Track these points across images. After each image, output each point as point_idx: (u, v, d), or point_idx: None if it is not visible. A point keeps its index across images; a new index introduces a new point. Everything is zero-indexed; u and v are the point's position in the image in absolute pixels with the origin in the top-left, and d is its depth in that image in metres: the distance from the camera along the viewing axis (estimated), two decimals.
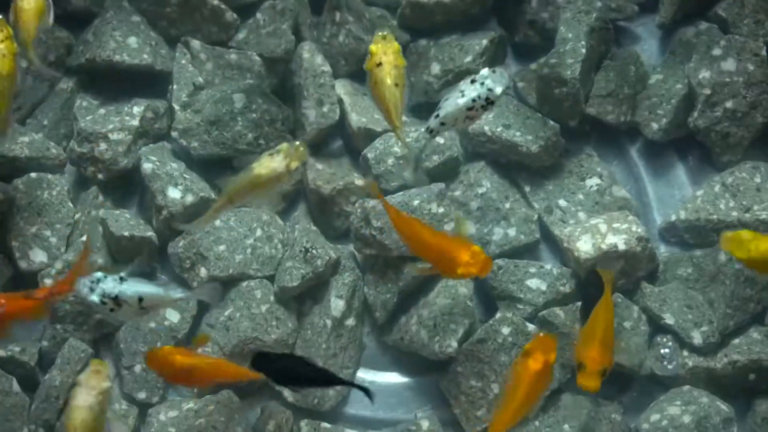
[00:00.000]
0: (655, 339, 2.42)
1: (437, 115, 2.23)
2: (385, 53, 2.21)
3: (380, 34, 2.24)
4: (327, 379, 2.18)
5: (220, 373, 2.19)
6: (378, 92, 2.21)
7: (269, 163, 2.15)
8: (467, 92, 2.21)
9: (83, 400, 2.12)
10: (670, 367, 2.40)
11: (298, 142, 2.17)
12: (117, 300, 2.13)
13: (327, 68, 2.54)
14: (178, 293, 2.17)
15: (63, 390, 2.35)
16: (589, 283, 2.41)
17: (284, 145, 2.17)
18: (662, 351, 2.41)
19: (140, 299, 2.13)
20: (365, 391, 2.13)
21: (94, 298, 2.13)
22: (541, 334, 2.21)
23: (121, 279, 2.14)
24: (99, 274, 2.15)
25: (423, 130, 2.26)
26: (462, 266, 2.12)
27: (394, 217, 2.24)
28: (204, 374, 2.16)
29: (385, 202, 2.27)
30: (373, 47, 2.22)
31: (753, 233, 2.12)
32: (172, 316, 2.43)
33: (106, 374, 2.15)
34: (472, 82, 2.21)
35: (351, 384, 2.27)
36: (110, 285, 2.13)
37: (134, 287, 2.13)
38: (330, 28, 2.61)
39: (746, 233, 2.12)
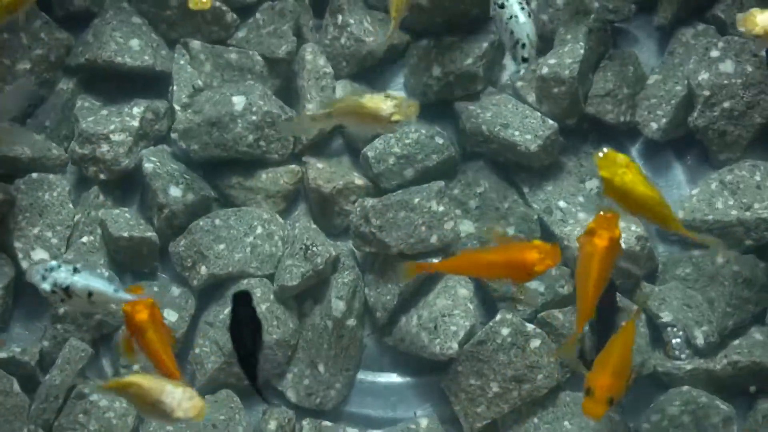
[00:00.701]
0: (666, 331, 2.41)
1: (524, 44, 2.22)
2: None
3: None
4: (248, 373, 2.15)
5: (155, 358, 2.09)
6: None
7: (379, 102, 2.13)
8: (517, 7, 2.22)
9: None
10: (683, 356, 2.40)
11: (413, 101, 2.16)
12: (68, 291, 2.09)
13: (329, 70, 2.55)
14: (125, 296, 2.10)
15: (63, 390, 2.36)
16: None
17: (401, 96, 2.16)
18: (674, 341, 2.41)
19: (89, 294, 2.09)
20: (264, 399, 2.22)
21: (45, 286, 2.10)
22: (602, 213, 2.12)
23: (75, 270, 2.11)
24: (53, 263, 2.12)
25: (520, 64, 2.24)
26: (536, 265, 2.08)
27: (447, 266, 2.24)
28: (148, 345, 2.08)
29: (435, 265, 2.27)
30: None
31: (629, 161, 2.08)
32: (171, 316, 2.43)
33: None
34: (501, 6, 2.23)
35: (255, 388, 2.19)
36: (63, 275, 2.10)
37: (86, 280, 2.09)
38: (332, 31, 2.61)
39: (623, 158, 2.08)
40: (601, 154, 2.06)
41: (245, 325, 2.14)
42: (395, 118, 2.13)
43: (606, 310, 2.34)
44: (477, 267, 2.18)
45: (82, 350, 2.38)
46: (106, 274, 2.40)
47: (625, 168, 2.05)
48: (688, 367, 2.38)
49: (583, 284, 2.03)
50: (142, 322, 2.05)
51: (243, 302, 2.16)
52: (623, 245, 2.35)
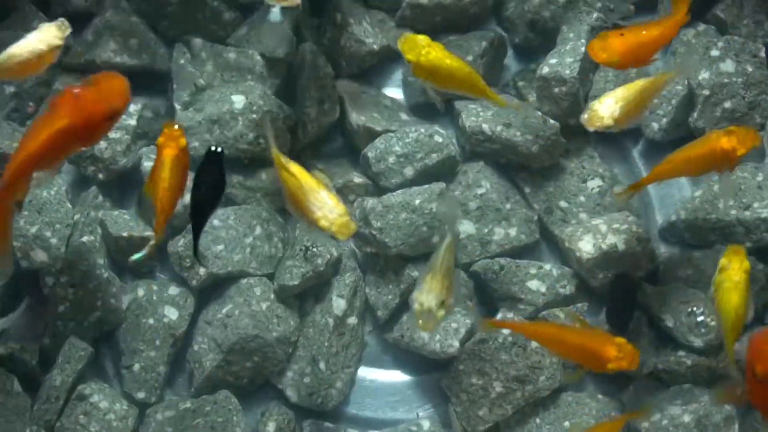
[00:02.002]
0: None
1: None
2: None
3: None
4: (195, 226, 2.15)
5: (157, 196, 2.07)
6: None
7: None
8: None
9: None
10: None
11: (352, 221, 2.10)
12: None
13: (329, 70, 2.55)
14: None
15: (63, 390, 2.35)
16: (615, 287, 2.42)
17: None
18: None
19: None
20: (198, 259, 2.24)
21: None
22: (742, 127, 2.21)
23: None
24: None
25: None
26: (612, 361, 2.11)
27: (524, 329, 2.25)
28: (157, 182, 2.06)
29: (503, 322, 2.29)
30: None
31: (429, 40, 2.15)
32: (171, 313, 2.43)
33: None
34: None
35: (194, 243, 2.19)
36: None
37: None
38: (331, 30, 2.61)
39: (423, 38, 2.13)
40: (402, 39, 2.14)
41: (208, 180, 2.12)
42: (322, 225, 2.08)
43: (623, 305, 2.37)
44: (554, 342, 2.20)
45: (82, 349, 2.38)
46: None
47: (427, 47, 2.15)
48: (689, 362, 2.38)
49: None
50: (167, 157, 2.05)
51: (212, 160, 2.13)
52: (624, 246, 2.38)
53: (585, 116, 2.18)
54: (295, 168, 2.10)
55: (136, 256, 2.18)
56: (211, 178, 2.12)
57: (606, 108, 2.17)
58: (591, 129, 2.17)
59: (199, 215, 2.14)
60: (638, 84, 2.21)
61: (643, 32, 2.18)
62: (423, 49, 2.15)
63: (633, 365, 2.12)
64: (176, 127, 2.07)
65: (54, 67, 2.59)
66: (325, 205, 2.05)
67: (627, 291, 2.37)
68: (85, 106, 1.97)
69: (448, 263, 2.11)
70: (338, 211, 2.05)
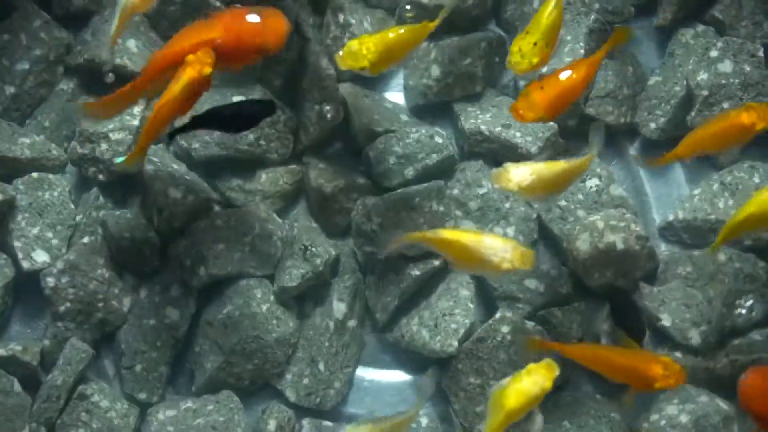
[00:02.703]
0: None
1: None
2: None
3: None
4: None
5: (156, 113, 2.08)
6: None
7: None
8: None
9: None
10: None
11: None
12: None
13: (331, 71, 2.55)
14: None
15: (64, 390, 2.36)
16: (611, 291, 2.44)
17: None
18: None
19: None
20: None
21: None
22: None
23: None
24: None
25: None
26: (659, 380, 2.13)
27: (571, 351, 2.24)
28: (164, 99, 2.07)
29: (558, 345, 2.27)
30: None
31: (359, 40, 2.14)
32: (172, 314, 2.43)
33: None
34: None
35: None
36: None
37: None
38: (334, 30, 2.61)
39: (353, 43, 2.14)
40: (340, 56, 2.15)
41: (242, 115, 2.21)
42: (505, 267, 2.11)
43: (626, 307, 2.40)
44: (601, 364, 2.21)
45: (83, 351, 2.38)
46: None
47: (361, 44, 2.14)
48: (686, 362, 2.39)
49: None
50: (186, 76, 2.05)
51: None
52: (622, 244, 2.38)
53: (495, 172, 2.14)
54: (446, 233, 2.14)
55: (119, 160, 2.17)
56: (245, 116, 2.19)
57: (518, 174, 2.12)
58: (496, 185, 2.13)
59: (209, 117, 2.18)
60: (560, 165, 2.16)
61: (562, 78, 2.15)
62: (361, 48, 2.14)
63: (677, 383, 2.14)
64: (210, 53, 2.07)
65: (54, 67, 2.61)
66: (496, 248, 2.09)
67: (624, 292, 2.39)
68: (241, 33, 1.99)
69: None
70: (510, 246, 2.09)
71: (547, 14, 2.16)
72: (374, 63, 2.16)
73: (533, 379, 2.05)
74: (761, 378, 1.94)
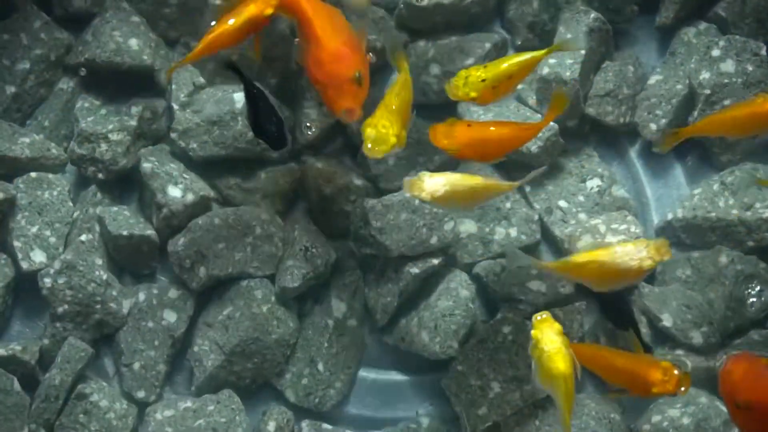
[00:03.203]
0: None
1: None
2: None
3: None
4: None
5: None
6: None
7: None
8: None
9: None
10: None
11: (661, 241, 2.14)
12: None
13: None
14: None
15: (63, 389, 2.35)
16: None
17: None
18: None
19: None
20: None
21: None
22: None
23: None
24: None
25: None
26: (657, 386, 2.11)
27: (575, 348, 2.20)
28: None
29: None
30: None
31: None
32: (169, 317, 2.43)
33: None
34: None
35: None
36: None
37: None
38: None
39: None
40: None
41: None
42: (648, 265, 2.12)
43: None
44: (600, 365, 2.20)
45: (81, 350, 2.38)
46: None
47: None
48: (687, 363, 2.38)
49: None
50: (247, 11, 2.14)
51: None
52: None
53: (407, 180, 2.11)
54: (576, 259, 2.16)
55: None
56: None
57: (431, 184, 2.09)
58: (406, 194, 2.11)
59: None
60: (475, 180, 2.14)
61: (493, 129, 2.13)
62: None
63: (677, 389, 2.11)
64: None
65: (54, 67, 2.61)
66: (631, 253, 2.10)
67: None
68: None
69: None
70: (642, 246, 2.10)
71: (512, 62, 2.13)
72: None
73: (548, 337, 2.04)
74: (741, 364, 1.91)
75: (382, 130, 2.04)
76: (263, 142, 2.29)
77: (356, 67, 2.02)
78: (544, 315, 2.08)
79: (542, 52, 2.17)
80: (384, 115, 2.07)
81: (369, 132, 2.05)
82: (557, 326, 2.06)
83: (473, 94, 2.09)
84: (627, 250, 2.11)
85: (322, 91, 2.04)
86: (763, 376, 1.84)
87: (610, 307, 2.44)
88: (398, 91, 2.13)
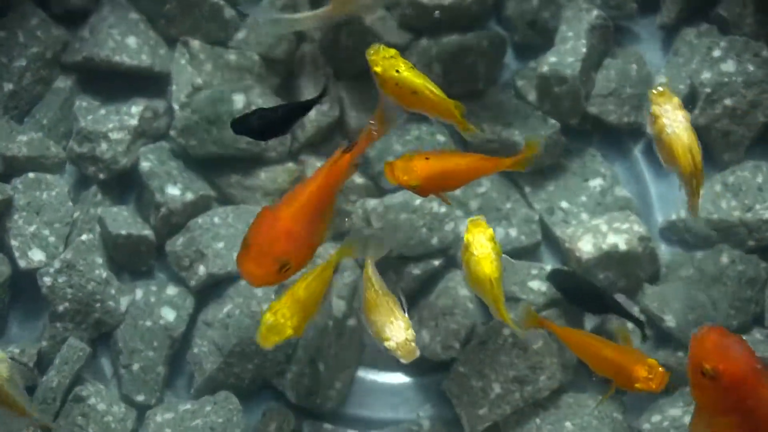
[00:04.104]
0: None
1: None
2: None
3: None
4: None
5: None
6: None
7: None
8: None
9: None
10: None
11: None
12: None
13: (329, 69, 2.54)
14: None
15: (60, 392, 2.34)
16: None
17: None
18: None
19: None
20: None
21: None
22: None
23: None
24: None
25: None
26: (640, 382, 2.11)
27: (562, 334, 2.24)
28: None
29: (552, 325, 2.27)
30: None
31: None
32: (168, 315, 2.42)
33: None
34: None
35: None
36: None
37: None
38: (331, 28, 2.60)
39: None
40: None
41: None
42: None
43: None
44: (586, 352, 2.21)
45: (80, 349, 2.37)
46: None
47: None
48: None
49: None
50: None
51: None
52: (625, 246, 2.37)
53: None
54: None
55: None
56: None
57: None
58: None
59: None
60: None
61: (452, 160, 2.10)
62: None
63: (659, 387, 2.11)
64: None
65: (51, 65, 2.60)
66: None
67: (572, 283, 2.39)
68: None
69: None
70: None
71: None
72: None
73: (478, 242, 2.07)
74: (717, 335, 1.89)
75: (281, 320, 2.05)
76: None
77: (290, 255, 1.99)
78: (478, 219, 2.10)
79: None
80: (288, 303, 2.06)
81: (267, 318, 2.05)
82: (490, 232, 2.08)
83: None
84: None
85: (246, 246, 2.01)
86: (735, 349, 1.81)
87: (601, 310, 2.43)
88: (310, 281, 2.12)
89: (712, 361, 1.81)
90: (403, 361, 2.07)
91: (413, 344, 2.08)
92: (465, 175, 2.12)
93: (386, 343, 2.07)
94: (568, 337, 2.24)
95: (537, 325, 2.26)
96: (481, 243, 2.07)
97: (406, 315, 2.12)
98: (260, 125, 2.20)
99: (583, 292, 2.36)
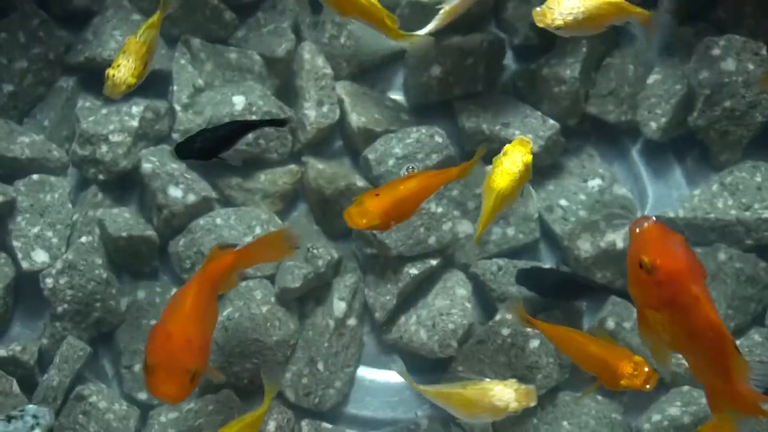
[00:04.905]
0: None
1: None
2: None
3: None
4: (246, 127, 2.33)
5: None
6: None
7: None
8: None
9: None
10: None
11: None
12: None
13: (328, 70, 2.54)
14: None
15: (61, 391, 2.35)
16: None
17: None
18: None
19: None
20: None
21: None
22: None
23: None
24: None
25: None
26: (626, 378, 2.12)
27: (549, 331, 2.25)
28: None
29: (537, 322, 2.27)
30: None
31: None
32: None
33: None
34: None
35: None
36: None
37: None
38: (330, 29, 2.60)
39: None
40: None
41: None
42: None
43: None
44: (572, 348, 2.22)
45: (80, 349, 2.38)
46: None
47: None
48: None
49: None
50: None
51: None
52: (622, 244, 2.38)
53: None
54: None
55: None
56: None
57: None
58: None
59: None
60: None
61: (402, 188, 2.13)
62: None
63: (646, 385, 2.12)
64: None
65: (53, 66, 2.61)
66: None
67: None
68: None
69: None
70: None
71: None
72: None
73: (513, 158, 2.13)
74: (658, 229, 1.89)
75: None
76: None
77: (195, 363, 2.00)
78: (527, 140, 2.16)
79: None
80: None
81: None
82: (529, 157, 2.14)
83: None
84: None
85: (150, 368, 1.98)
86: (674, 245, 1.83)
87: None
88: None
89: (650, 255, 1.82)
90: (533, 404, 2.17)
91: (523, 386, 2.17)
92: (419, 196, 2.17)
93: (511, 408, 2.17)
94: (553, 333, 2.24)
95: (523, 322, 2.27)
96: (515, 160, 2.13)
97: (482, 379, 2.25)
98: (202, 147, 2.30)
99: (554, 282, 2.38)
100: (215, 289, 2.13)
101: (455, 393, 2.21)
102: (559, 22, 2.18)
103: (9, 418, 2.19)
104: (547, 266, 2.47)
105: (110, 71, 2.22)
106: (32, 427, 2.20)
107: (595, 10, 2.21)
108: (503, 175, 2.13)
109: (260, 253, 2.21)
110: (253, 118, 2.48)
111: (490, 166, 2.18)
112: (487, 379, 2.23)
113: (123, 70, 2.23)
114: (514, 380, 2.19)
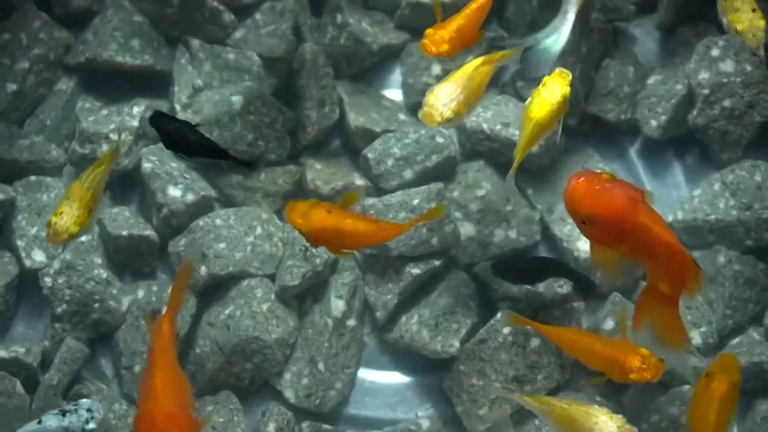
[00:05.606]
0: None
1: None
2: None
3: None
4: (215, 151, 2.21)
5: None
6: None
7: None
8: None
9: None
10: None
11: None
12: None
13: (329, 70, 2.54)
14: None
15: (60, 390, 2.35)
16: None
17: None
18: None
19: None
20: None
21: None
22: (722, 355, 2.22)
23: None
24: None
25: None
26: (635, 372, 2.11)
27: (551, 334, 2.25)
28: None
29: (539, 326, 2.28)
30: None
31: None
32: None
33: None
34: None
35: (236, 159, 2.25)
36: None
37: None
38: (331, 30, 2.61)
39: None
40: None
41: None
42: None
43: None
44: (576, 348, 2.21)
45: (78, 350, 2.38)
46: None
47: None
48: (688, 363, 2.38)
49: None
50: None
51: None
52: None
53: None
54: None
55: None
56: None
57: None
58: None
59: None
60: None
61: (350, 222, 2.06)
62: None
63: (656, 377, 2.12)
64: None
65: (54, 67, 2.61)
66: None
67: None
68: None
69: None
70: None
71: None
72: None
73: (551, 88, 2.12)
74: (583, 181, 1.90)
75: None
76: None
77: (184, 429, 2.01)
78: (566, 72, 2.15)
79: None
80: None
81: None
82: (567, 90, 2.13)
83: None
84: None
85: None
86: (603, 189, 1.84)
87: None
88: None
89: (587, 208, 1.84)
90: None
91: (627, 425, 2.13)
92: (358, 240, 2.10)
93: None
94: (556, 335, 2.24)
95: (520, 325, 2.28)
96: (553, 91, 2.12)
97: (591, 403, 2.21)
98: (185, 139, 2.23)
99: (523, 266, 2.40)
100: (172, 350, 2.10)
101: (559, 407, 2.18)
102: (448, 114, 2.15)
103: (63, 413, 2.19)
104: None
105: (53, 218, 2.11)
106: (87, 421, 2.19)
107: (469, 81, 2.19)
108: (541, 105, 2.12)
109: (181, 291, 2.19)
110: (232, 149, 2.46)
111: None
112: (596, 406, 2.20)
113: (65, 218, 2.11)
114: (621, 416, 2.15)
